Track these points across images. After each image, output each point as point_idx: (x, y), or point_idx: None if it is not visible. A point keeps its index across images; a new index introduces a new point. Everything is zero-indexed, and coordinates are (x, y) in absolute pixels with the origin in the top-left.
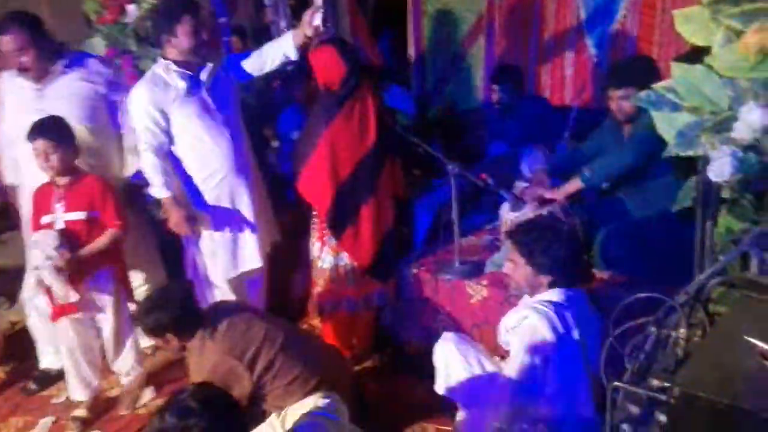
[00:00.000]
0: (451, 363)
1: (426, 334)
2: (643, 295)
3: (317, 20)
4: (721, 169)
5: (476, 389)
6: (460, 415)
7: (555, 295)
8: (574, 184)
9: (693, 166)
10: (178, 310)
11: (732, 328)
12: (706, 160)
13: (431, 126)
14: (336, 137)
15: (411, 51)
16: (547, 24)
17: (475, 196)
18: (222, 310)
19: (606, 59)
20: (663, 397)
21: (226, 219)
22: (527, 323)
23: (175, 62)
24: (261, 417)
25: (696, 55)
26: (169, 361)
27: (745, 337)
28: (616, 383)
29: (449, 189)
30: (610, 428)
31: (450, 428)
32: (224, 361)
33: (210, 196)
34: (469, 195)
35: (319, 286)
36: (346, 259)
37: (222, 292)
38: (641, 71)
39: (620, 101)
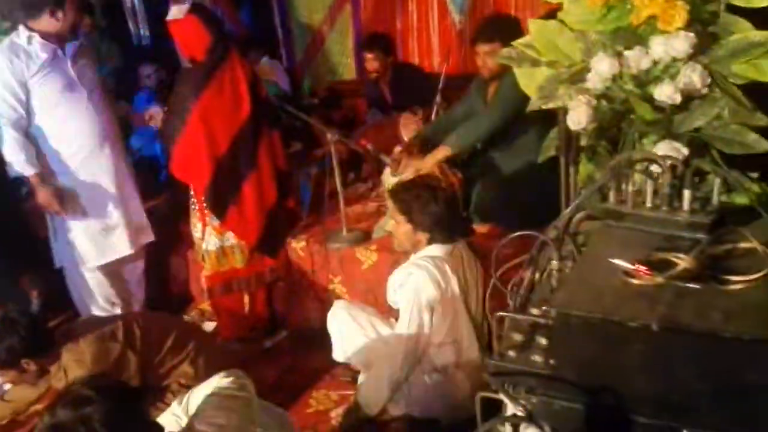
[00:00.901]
0: (345, 329)
1: (320, 305)
2: (517, 234)
3: None
4: (578, 117)
5: (372, 350)
6: (361, 377)
7: (435, 250)
8: (442, 151)
9: (555, 118)
10: (28, 330)
11: (597, 253)
12: (565, 111)
13: (305, 97)
14: (207, 111)
15: (276, 21)
16: None
17: (358, 165)
18: (72, 325)
19: (468, 24)
20: (542, 321)
21: (92, 201)
22: (411, 280)
23: (41, 34)
24: (163, 393)
25: (554, 15)
26: None
27: (609, 260)
28: (500, 313)
29: (329, 159)
30: (499, 356)
31: (352, 392)
32: (102, 348)
33: (75, 175)
34: (352, 164)
35: (206, 270)
36: (231, 238)
37: (96, 279)
38: (505, 27)
39: (486, 57)
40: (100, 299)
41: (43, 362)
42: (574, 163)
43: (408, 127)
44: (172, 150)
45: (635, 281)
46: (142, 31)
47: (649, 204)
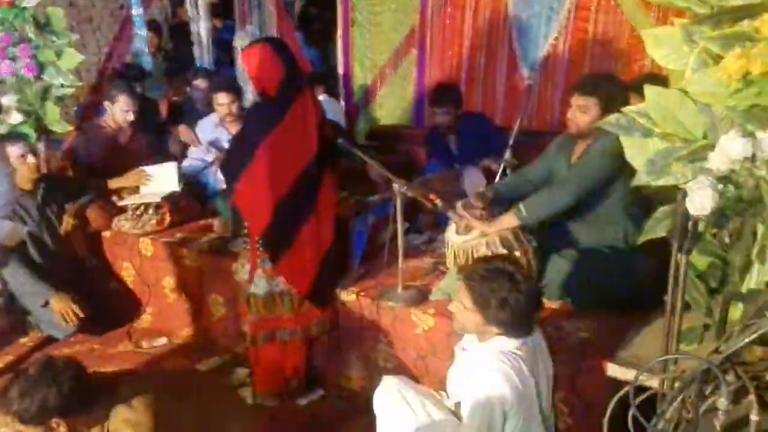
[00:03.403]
0: (393, 411)
1: (365, 366)
2: (679, 355)
3: None
4: (701, 202)
5: None
6: None
7: (509, 343)
8: (508, 220)
9: (652, 194)
10: (70, 385)
11: None
12: (684, 192)
13: (358, 139)
14: (276, 147)
15: (339, 61)
16: (480, 42)
17: (412, 216)
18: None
19: (537, 81)
20: None
21: None
22: (484, 377)
23: None
24: None
25: (653, 80)
26: None
27: None
28: None
29: (384, 208)
30: None
31: None
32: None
33: None
34: (406, 214)
35: (251, 315)
36: (282, 283)
37: None
38: (609, 85)
39: (578, 112)
40: None
41: (76, 423)
42: (688, 251)
43: (471, 184)
44: (235, 185)
45: None
46: (206, 56)
47: None
